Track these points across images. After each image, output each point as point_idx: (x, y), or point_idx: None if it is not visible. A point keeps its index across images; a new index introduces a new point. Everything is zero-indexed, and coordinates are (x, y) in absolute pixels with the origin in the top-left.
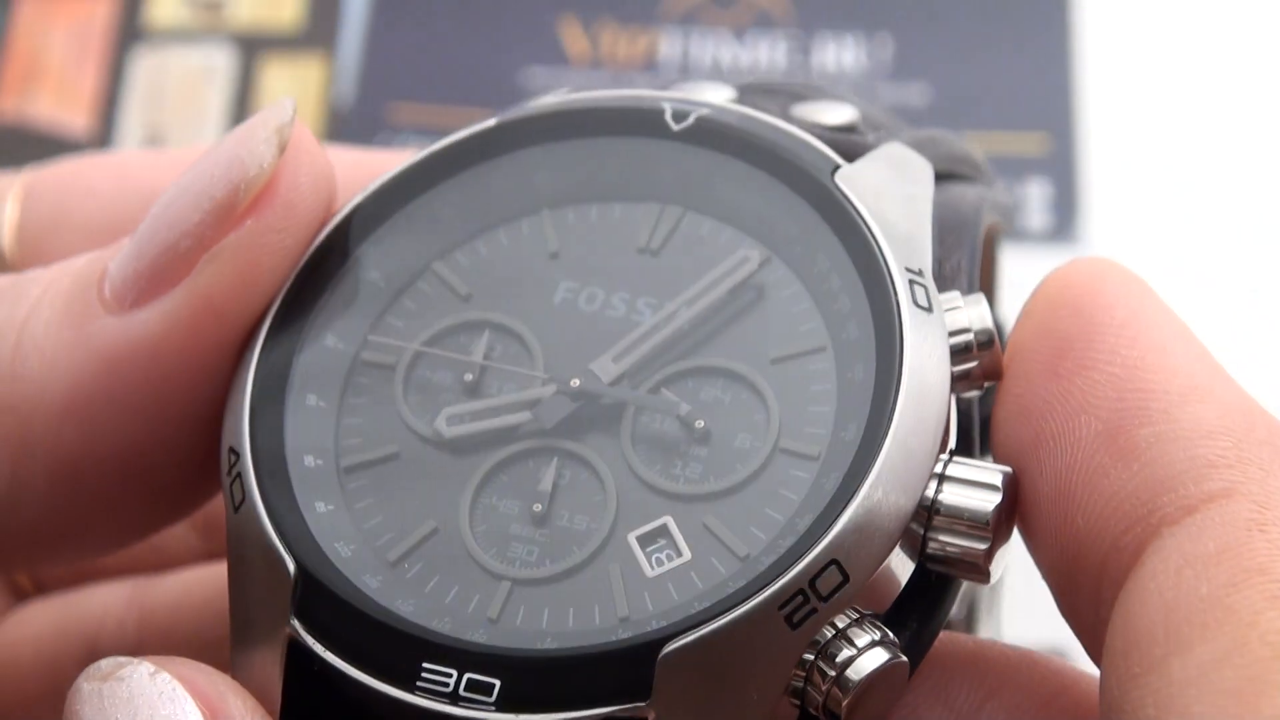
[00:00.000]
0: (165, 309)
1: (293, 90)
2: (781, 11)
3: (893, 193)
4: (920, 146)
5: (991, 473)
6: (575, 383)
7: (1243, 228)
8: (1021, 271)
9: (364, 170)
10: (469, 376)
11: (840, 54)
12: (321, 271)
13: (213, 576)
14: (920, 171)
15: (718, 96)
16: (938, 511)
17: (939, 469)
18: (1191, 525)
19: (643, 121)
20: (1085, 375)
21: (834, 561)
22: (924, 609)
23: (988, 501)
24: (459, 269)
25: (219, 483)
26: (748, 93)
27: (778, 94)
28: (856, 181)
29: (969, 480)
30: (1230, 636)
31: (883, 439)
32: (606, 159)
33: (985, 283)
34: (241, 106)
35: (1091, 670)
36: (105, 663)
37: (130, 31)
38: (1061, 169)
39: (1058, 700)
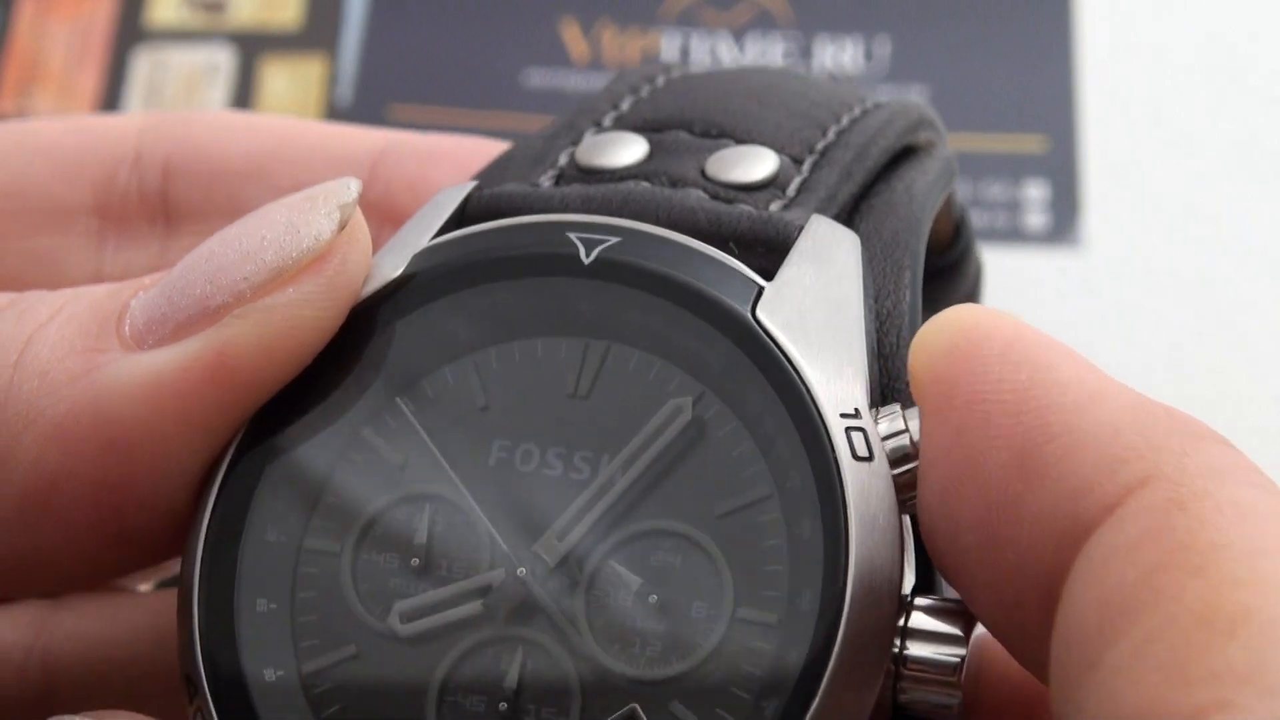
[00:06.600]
0: (179, 354)
1: (292, 90)
2: (781, 13)
3: (819, 310)
4: (885, 127)
5: (956, 618)
6: (522, 572)
7: (1243, 229)
8: (1020, 272)
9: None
10: (416, 561)
11: (839, 55)
12: (255, 454)
13: (116, 619)
14: (847, 257)
15: (628, 155)
16: (905, 665)
17: (900, 621)
18: (1114, 520)
19: (553, 261)
20: (976, 411)
21: None
22: None
23: (954, 653)
24: (389, 433)
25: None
26: (660, 149)
27: (692, 146)
28: (780, 308)
29: (934, 633)
30: (1159, 615)
31: (838, 620)
32: (522, 300)
33: (942, 228)
34: (242, 106)
35: None
36: None
37: (131, 31)
38: (1061, 170)
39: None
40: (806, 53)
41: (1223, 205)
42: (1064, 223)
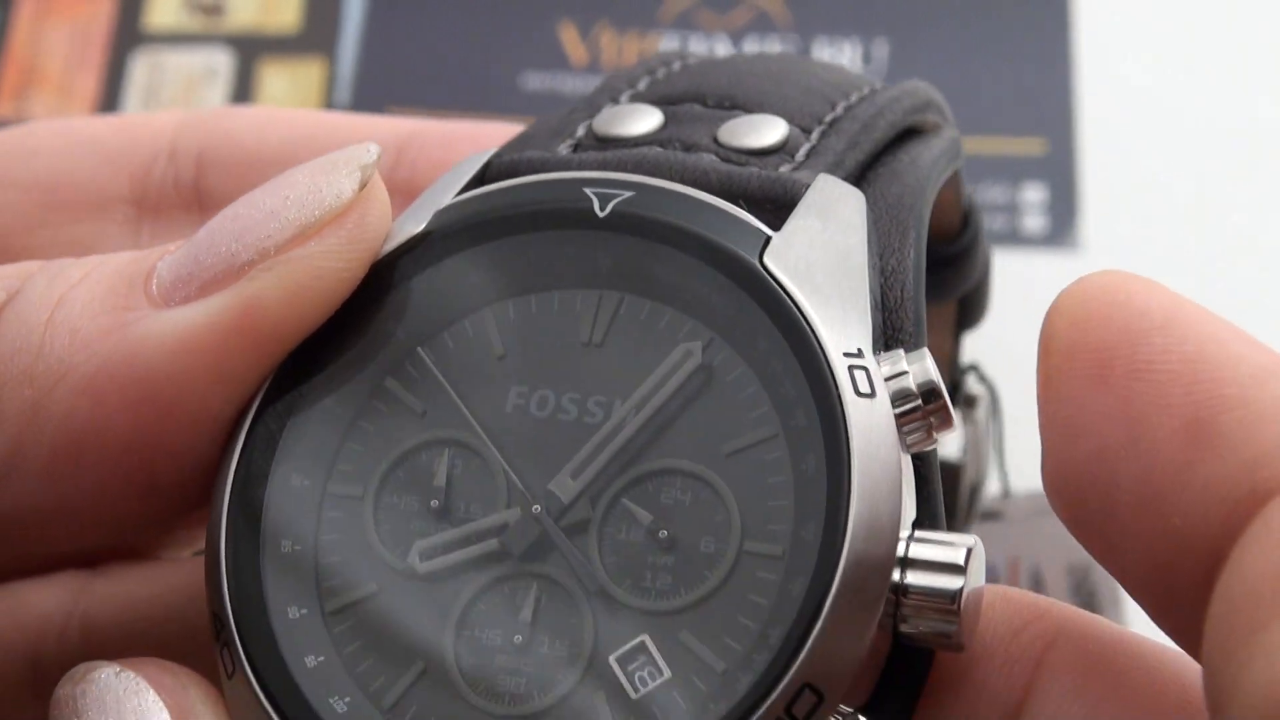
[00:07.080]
0: (207, 309)
1: (291, 93)
2: (779, 15)
3: (824, 259)
4: (892, 103)
5: (955, 550)
6: (537, 509)
7: (1241, 231)
8: (1019, 275)
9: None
10: (435, 503)
11: (837, 58)
12: (281, 404)
13: (152, 581)
14: (853, 212)
15: (644, 124)
16: (905, 594)
17: (901, 551)
18: None
19: (568, 214)
20: (1143, 379)
21: (806, 685)
22: (904, 682)
23: (952, 582)
24: (411, 382)
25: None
26: (674, 119)
27: (704, 116)
28: (786, 256)
29: (933, 562)
30: None
31: (840, 548)
32: (539, 253)
33: (950, 216)
34: None
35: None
36: (80, 668)
37: (130, 34)
38: (1059, 173)
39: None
40: (804, 55)
41: (1221, 208)
42: (1062, 225)
